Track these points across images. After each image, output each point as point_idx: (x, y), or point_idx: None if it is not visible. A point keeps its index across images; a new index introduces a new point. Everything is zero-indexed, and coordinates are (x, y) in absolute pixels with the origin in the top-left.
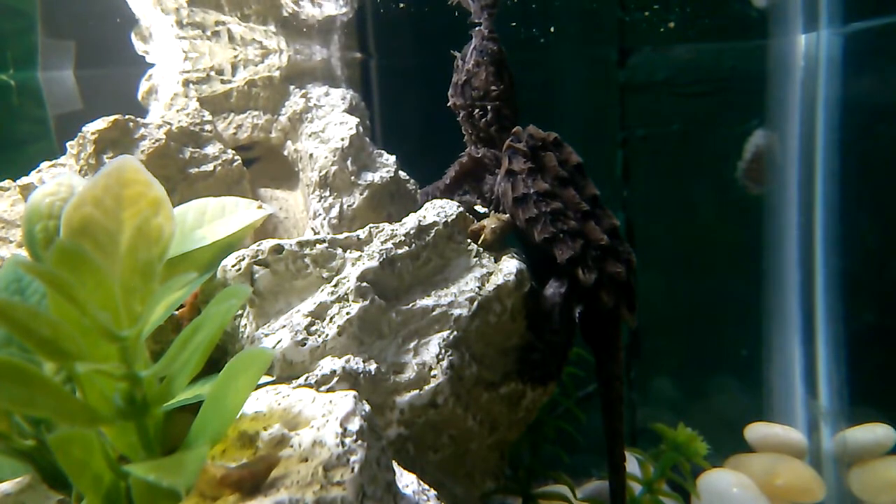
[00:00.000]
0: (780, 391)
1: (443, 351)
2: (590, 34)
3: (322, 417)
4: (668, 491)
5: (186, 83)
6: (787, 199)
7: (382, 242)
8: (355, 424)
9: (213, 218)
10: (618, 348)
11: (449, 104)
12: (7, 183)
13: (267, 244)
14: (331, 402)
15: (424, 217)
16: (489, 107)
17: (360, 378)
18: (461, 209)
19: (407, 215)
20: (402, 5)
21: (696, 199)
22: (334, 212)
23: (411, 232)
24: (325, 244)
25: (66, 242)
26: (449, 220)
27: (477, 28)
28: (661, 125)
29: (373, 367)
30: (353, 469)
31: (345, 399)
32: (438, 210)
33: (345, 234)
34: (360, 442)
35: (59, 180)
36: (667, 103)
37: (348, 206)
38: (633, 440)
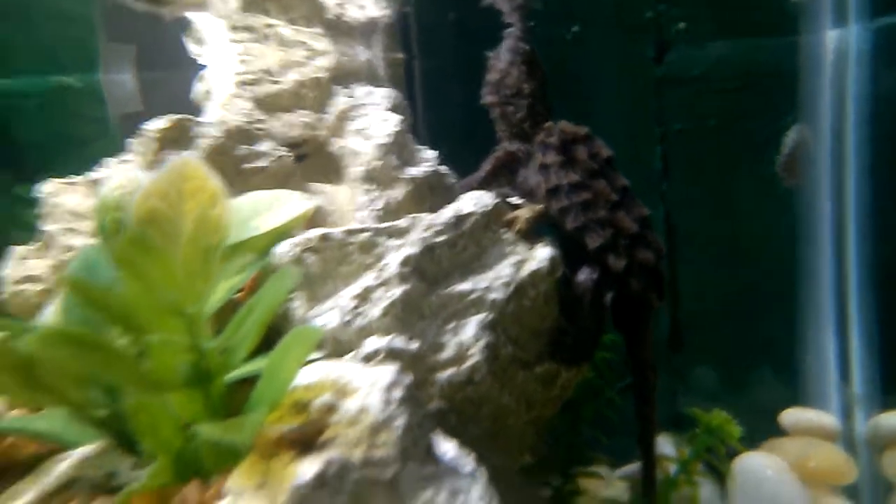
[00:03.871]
0: (815, 378)
1: (480, 332)
2: (626, 30)
3: (368, 387)
4: (703, 471)
5: (240, 84)
6: (820, 192)
7: (423, 231)
8: (398, 393)
9: (266, 209)
10: (647, 333)
11: (484, 101)
12: (76, 178)
13: (316, 233)
14: (376, 373)
15: (462, 208)
16: (522, 104)
17: (402, 355)
18: (496, 200)
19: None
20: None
21: (733, 193)
22: (378, 204)
23: (450, 221)
24: (370, 233)
25: (135, 230)
26: (485, 211)
27: (509, 29)
28: (698, 120)
29: (415, 345)
30: (396, 432)
31: (389, 371)
32: (475, 201)
33: (387, 224)
34: (402, 408)
35: (125, 175)
36: (703, 99)
37: (392, 198)
38: (674, 426)
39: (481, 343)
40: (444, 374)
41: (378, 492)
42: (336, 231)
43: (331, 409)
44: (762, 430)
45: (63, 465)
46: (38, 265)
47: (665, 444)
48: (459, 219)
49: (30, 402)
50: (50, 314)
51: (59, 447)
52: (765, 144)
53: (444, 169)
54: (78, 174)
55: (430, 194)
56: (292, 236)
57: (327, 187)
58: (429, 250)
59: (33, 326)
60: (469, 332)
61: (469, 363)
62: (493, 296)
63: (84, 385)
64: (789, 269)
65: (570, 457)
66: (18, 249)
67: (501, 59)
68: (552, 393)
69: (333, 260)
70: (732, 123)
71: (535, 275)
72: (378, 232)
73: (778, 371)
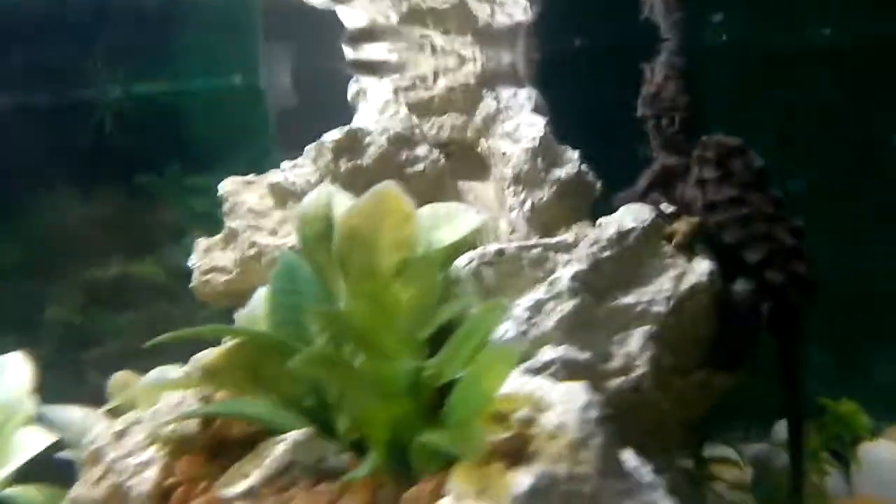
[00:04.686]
0: None
1: (645, 343)
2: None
3: (563, 404)
4: (829, 459)
5: (396, 91)
6: None
7: (589, 246)
8: (593, 412)
9: (445, 222)
10: (800, 339)
11: (639, 114)
12: (252, 177)
13: (492, 248)
14: (570, 391)
15: (624, 223)
16: (677, 117)
17: (575, 365)
18: (655, 214)
19: (589, 207)
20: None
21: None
22: (527, 206)
23: (613, 237)
24: (540, 248)
25: (341, 244)
26: (645, 226)
27: (665, 42)
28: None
29: (585, 356)
30: (595, 450)
31: (581, 390)
32: (635, 216)
33: (556, 239)
34: (598, 428)
35: (320, 191)
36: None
37: (539, 199)
38: None
39: (646, 354)
40: (613, 383)
41: None
42: (510, 246)
43: (530, 422)
44: (885, 415)
45: (280, 449)
46: (223, 257)
47: None
48: (622, 234)
49: (250, 394)
50: (256, 306)
51: (263, 430)
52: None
53: (585, 169)
54: (240, 165)
55: (574, 194)
56: (468, 249)
57: (474, 185)
58: (595, 265)
59: (267, 336)
60: (635, 343)
61: (636, 373)
62: (655, 308)
63: (298, 381)
64: None
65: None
66: (203, 242)
67: (657, 73)
68: (706, 398)
69: (507, 273)
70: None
71: (695, 287)
72: (547, 247)
73: None
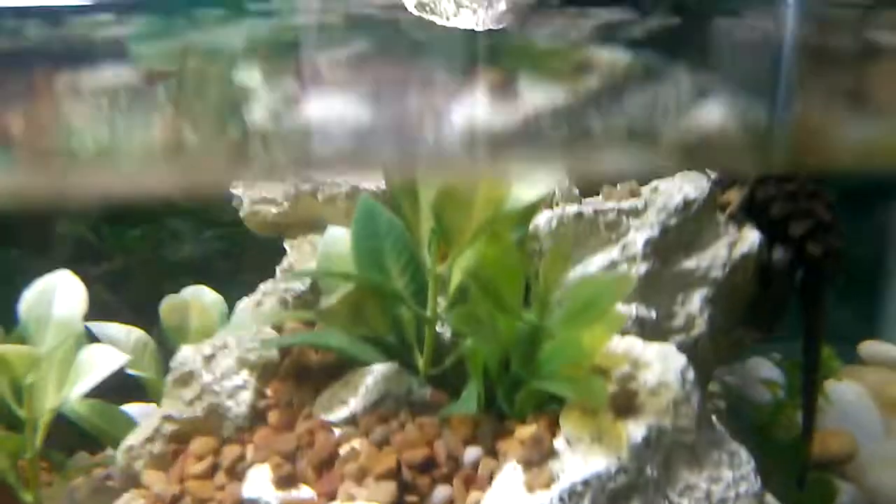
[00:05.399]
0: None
1: (703, 304)
2: None
3: (661, 363)
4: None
5: None
6: None
7: (657, 213)
8: (691, 374)
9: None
10: (827, 309)
11: None
12: None
13: (570, 210)
14: (663, 351)
15: (688, 193)
16: None
17: (646, 323)
18: (712, 183)
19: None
20: None
21: None
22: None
23: (679, 205)
24: (615, 212)
25: (437, 209)
26: (705, 195)
27: None
28: None
29: (654, 315)
30: (694, 407)
31: (677, 354)
32: (696, 184)
33: (628, 205)
34: (696, 388)
35: None
36: None
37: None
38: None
39: (705, 314)
40: (676, 339)
41: (682, 454)
42: (587, 209)
43: (630, 378)
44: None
45: (371, 379)
46: (273, 188)
47: (770, 370)
48: (687, 203)
49: (345, 329)
50: (331, 247)
51: (338, 360)
52: None
53: None
54: None
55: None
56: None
57: None
58: (663, 231)
59: (367, 279)
60: (695, 305)
61: (696, 331)
62: (713, 272)
63: (385, 320)
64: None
65: None
66: None
67: None
68: (737, 352)
69: (584, 233)
70: None
71: (745, 255)
72: (621, 212)
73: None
